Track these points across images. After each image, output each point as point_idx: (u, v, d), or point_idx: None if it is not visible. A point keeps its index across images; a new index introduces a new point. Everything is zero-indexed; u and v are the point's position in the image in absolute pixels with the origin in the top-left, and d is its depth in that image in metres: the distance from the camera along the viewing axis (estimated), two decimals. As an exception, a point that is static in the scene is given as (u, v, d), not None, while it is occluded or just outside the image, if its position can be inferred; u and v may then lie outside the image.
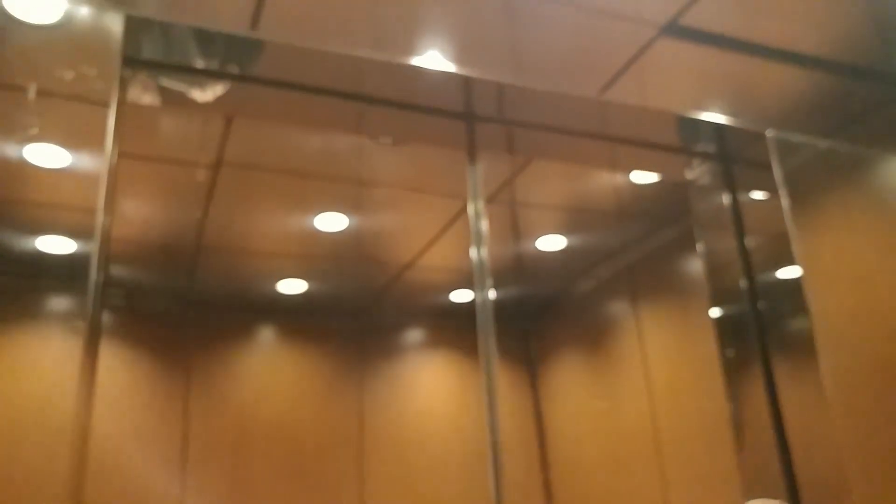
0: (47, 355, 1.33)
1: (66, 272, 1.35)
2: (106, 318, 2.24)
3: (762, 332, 1.71)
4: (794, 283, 1.67)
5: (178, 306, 2.36)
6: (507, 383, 2.64)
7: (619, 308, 2.38)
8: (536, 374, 2.58)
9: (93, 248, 1.37)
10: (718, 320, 1.81)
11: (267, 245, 2.39)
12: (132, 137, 1.61)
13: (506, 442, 2.52)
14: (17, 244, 1.31)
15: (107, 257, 1.47)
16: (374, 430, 2.34)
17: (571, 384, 2.53)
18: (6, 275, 1.31)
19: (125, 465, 2.07)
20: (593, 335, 2.47)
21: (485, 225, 1.72)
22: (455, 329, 2.56)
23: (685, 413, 2.05)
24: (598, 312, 2.46)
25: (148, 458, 2.12)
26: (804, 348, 1.63)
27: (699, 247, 1.86)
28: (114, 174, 1.36)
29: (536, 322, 2.67)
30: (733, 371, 1.77)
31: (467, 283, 2.64)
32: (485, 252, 1.67)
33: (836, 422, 1.57)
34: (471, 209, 1.73)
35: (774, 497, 1.63)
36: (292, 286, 2.46)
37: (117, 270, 2.27)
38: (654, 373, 2.19)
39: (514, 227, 2.36)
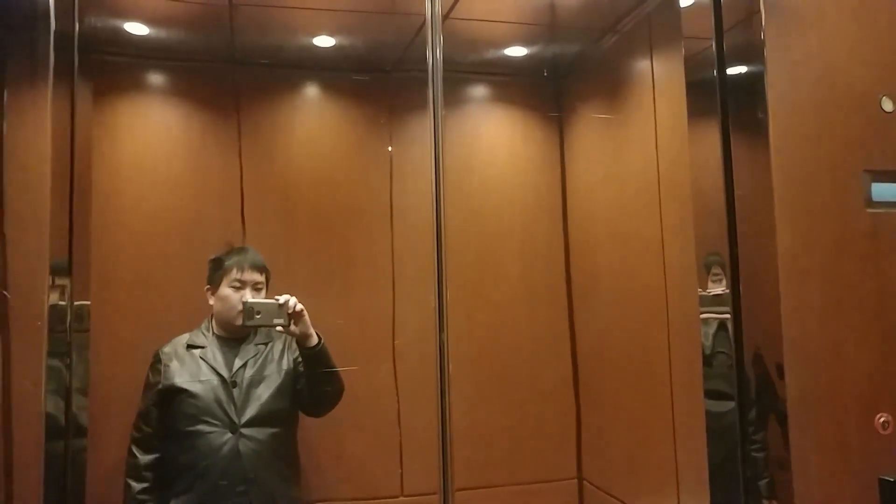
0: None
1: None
2: (155, 77, 2.45)
3: (725, 95, 1.62)
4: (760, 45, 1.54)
5: (222, 63, 2.53)
6: (539, 137, 2.66)
7: (636, 62, 2.27)
8: (563, 129, 2.57)
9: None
10: (689, 84, 1.72)
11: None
12: None
13: (532, 191, 2.60)
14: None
15: (76, 5, 1.55)
16: (402, 176, 2.48)
17: (591, 136, 2.52)
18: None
19: (189, 205, 2.35)
20: (613, 89, 2.40)
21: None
22: (483, 84, 2.57)
23: (683, 161, 2.01)
24: (619, 66, 2.37)
25: (210, 198, 2.38)
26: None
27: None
28: None
29: (566, 79, 2.61)
30: (698, 133, 1.71)
31: (497, 39, 2.60)
32: (438, 3, 1.63)
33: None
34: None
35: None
36: (327, 41, 2.53)
37: (158, 31, 2.44)
38: (662, 122, 2.13)
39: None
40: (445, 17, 2.14)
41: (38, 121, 1.40)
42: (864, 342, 1.52)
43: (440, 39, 1.63)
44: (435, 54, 1.70)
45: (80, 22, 1.53)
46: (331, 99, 2.56)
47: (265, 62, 2.52)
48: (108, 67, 2.26)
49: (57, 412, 1.43)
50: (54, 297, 1.39)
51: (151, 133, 2.39)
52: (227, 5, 2.48)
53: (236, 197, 2.38)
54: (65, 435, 1.47)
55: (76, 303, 1.51)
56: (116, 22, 2.32)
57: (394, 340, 2.38)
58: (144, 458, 1.93)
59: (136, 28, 2.39)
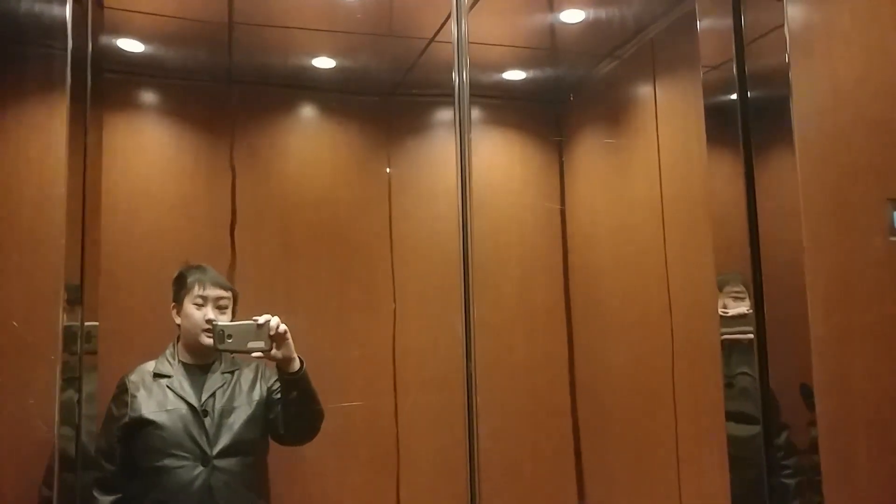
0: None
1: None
2: (148, 95, 2.39)
3: (746, 119, 1.63)
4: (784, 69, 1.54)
5: (219, 83, 2.48)
6: (539, 162, 2.65)
7: (639, 87, 2.28)
8: (563, 154, 2.57)
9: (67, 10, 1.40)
10: (708, 106, 1.73)
11: (296, 19, 2.42)
12: None
13: (532, 217, 2.59)
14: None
15: (90, 23, 1.51)
16: (401, 201, 2.44)
17: (592, 161, 2.51)
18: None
19: (181, 227, 2.29)
20: (615, 114, 2.40)
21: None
22: (483, 107, 2.56)
23: (690, 186, 2.01)
24: (621, 91, 2.37)
25: (201, 221, 2.31)
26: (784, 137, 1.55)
27: (699, 25, 1.72)
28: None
29: (566, 104, 2.61)
30: (718, 153, 1.71)
31: (495, 63, 2.60)
32: (465, 27, 1.62)
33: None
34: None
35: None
36: (326, 63, 2.50)
37: (155, 49, 2.38)
38: (666, 147, 2.14)
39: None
40: (432, 39, 2.12)
41: (54, 139, 1.35)
42: (889, 370, 1.52)
43: (467, 62, 1.61)
44: (462, 77, 1.67)
45: (94, 40, 1.48)
46: (329, 120, 2.53)
47: (258, 81, 2.48)
48: (109, 85, 2.20)
49: (67, 443, 1.37)
50: (67, 321, 1.33)
51: (146, 152, 2.32)
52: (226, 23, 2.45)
53: (230, 218, 2.32)
54: (74, 465, 1.40)
55: (87, 323, 1.45)
56: (113, 39, 2.26)
57: (394, 371, 2.34)
58: (105, 500, 1.77)
59: (133, 45, 2.33)
